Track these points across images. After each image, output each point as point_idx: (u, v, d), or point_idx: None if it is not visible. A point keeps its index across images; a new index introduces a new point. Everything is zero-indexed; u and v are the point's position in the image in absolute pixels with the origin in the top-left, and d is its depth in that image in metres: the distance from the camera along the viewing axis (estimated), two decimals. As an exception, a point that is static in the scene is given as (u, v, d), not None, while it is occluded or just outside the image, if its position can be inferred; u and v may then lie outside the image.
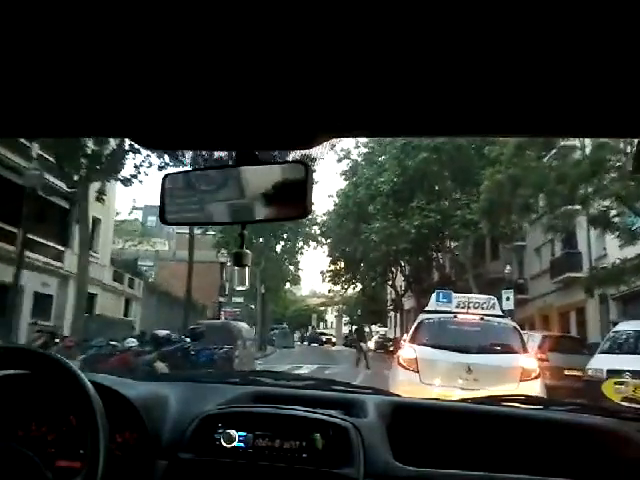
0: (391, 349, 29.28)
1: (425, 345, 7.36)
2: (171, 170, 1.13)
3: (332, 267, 43.01)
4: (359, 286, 45.20)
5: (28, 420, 1.54)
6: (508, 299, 18.96)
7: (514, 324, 8.11)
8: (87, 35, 0.67)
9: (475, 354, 7.05)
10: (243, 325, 16.97)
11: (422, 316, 8.13)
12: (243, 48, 0.68)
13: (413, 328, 7.91)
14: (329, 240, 38.35)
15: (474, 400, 1.90)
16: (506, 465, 1.51)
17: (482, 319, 7.64)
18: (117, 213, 29.40)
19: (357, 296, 51.09)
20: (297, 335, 64.72)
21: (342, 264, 40.98)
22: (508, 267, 22.38)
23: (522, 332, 8.29)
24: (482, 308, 8.01)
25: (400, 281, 38.19)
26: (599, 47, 0.66)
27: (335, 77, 0.73)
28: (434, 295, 8.56)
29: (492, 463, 1.52)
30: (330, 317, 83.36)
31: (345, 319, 68.92)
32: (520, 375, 6.73)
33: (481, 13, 0.61)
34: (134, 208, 42.93)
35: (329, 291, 52.79)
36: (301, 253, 40.50)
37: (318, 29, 0.64)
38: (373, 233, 26.94)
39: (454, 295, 8.41)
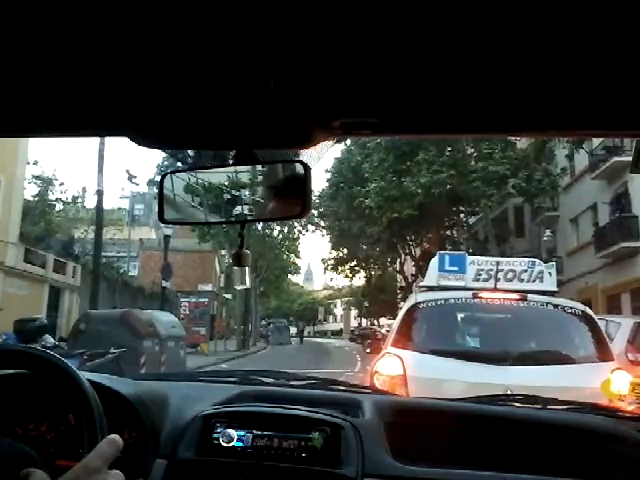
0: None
1: (422, 351, 4.47)
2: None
3: (334, 254, 41.55)
4: (363, 274, 43.48)
5: (27, 419, 1.63)
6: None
7: (583, 307, 4.78)
8: (83, 33, 0.70)
9: (517, 366, 4.21)
10: (160, 316, 12.18)
11: (416, 297, 4.94)
12: (241, 46, 0.71)
13: (400, 318, 4.81)
14: (327, 223, 36.90)
15: (473, 400, 1.98)
16: (504, 464, 1.58)
17: (524, 299, 4.65)
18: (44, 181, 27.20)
19: (364, 286, 49.87)
20: (308, 330, 64.94)
21: (345, 250, 39.31)
22: (547, 232, 17.32)
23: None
24: (520, 280, 5.01)
25: (410, 267, 36.21)
26: (605, 45, 0.69)
27: (334, 76, 0.77)
28: (435, 261, 5.28)
29: (490, 462, 1.59)
30: (339, 310, 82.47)
31: (354, 312, 68.04)
32: (606, 402, 3.92)
33: (485, 9, 0.63)
34: (121, 197, 43.25)
35: (331, 279, 52.09)
36: (297, 237, 38.68)
37: (317, 28, 0.67)
38: (369, 198, 23.89)
39: (470, 260, 5.18)
